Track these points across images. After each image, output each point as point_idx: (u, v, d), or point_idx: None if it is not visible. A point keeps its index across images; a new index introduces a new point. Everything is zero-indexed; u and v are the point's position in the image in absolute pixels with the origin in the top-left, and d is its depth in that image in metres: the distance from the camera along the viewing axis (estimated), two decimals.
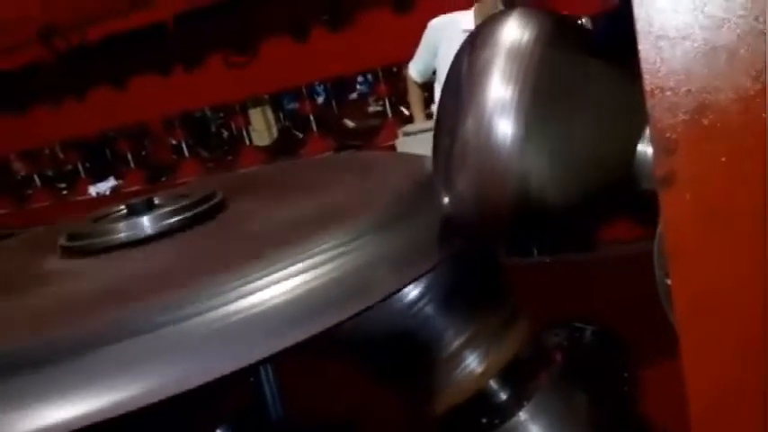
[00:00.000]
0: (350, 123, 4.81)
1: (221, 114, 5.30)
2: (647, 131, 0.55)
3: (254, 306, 0.57)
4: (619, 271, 0.94)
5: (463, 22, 2.45)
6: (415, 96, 2.70)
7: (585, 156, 0.54)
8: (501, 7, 2.28)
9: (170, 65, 3.63)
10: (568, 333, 0.78)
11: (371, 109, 4.97)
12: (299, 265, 0.59)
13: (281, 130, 5.16)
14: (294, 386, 0.83)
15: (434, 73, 2.57)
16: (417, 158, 0.88)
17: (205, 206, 0.80)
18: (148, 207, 0.81)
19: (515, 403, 0.67)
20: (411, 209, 0.68)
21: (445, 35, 2.47)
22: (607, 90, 0.55)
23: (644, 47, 0.35)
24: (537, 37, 0.54)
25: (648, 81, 0.36)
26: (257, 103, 4.98)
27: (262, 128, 5.20)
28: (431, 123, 2.35)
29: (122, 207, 0.83)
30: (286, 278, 0.59)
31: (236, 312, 0.56)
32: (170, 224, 0.77)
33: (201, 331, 0.56)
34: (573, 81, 0.54)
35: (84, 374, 0.53)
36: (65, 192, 4.76)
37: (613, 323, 0.84)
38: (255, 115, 5.14)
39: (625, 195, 0.57)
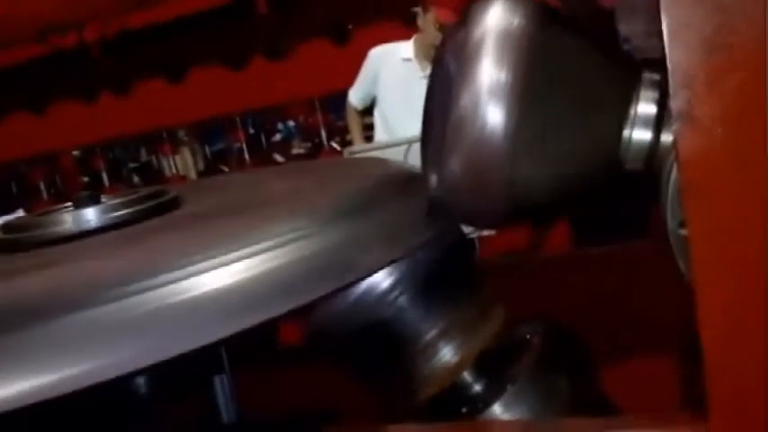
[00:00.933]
0: (279, 158, 4.79)
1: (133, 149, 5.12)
2: (631, 114, 0.56)
3: (202, 286, 0.51)
4: (576, 271, 0.95)
5: (402, 51, 2.53)
6: (354, 123, 2.73)
7: (575, 140, 0.56)
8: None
9: (94, 91, 3.49)
10: (534, 328, 0.77)
11: (295, 152, 5.05)
12: (256, 247, 0.55)
13: (207, 167, 5.05)
14: (254, 400, 0.78)
15: (373, 102, 2.63)
16: (382, 159, 0.88)
17: (155, 201, 0.76)
18: (93, 201, 0.76)
19: (493, 392, 0.65)
20: (378, 197, 0.67)
21: (385, 63, 2.55)
22: (593, 76, 0.57)
23: None
24: (526, 23, 0.55)
25: (667, 14, 0.36)
26: (182, 142, 4.87)
27: (188, 163, 5.08)
28: (375, 143, 2.39)
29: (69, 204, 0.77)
30: (239, 259, 0.54)
31: (184, 292, 0.51)
32: (116, 217, 0.72)
33: (143, 310, 0.49)
34: (562, 67, 0.56)
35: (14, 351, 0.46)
36: None
37: (570, 322, 0.84)
38: (183, 151, 5.02)
39: (611, 177, 0.58)
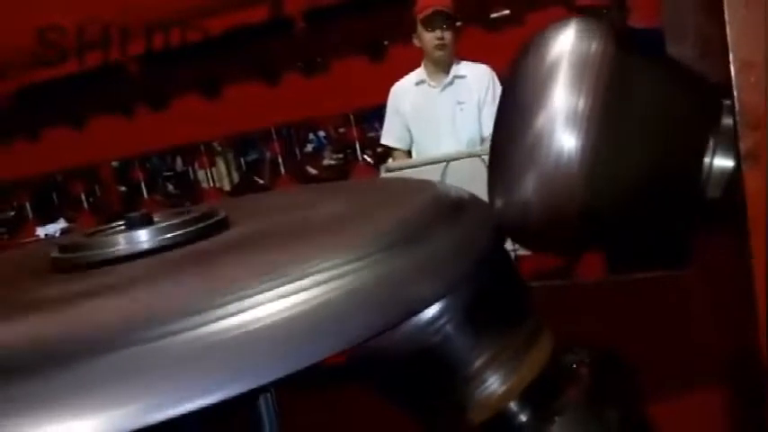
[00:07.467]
0: (312, 171, 4.82)
1: (169, 160, 5.22)
2: (712, 142, 0.55)
3: (256, 321, 0.50)
4: (624, 295, 0.94)
5: (413, 77, 2.55)
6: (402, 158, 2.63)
7: (653, 168, 0.54)
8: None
9: (132, 106, 3.57)
10: (581, 356, 0.76)
11: (326, 162, 5.07)
12: (306, 281, 0.53)
13: (241, 178, 5.11)
14: (292, 420, 0.78)
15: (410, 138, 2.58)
16: (427, 181, 0.87)
17: (206, 222, 0.77)
18: (146, 222, 0.77)
19: (540, 423, 0.64)
20: (431, 224, 0.66)
21: (403, 95, 2.55)
22: (671, 103, 0.55)
23: (733, 21, 0.35)
24: (603, 48, 0.54)
25: (735, 56, 0.36)
26: (217, 153, 4.96)
27: (222, 174, 5.16)
28: (412, 161, 2.37)
29: (119, 222, 0.78)
30: (295, 292, 0.53)
31: (239, 327, 0.49)
32: (168, 239, 0.73)
33: (194, 347, 0.48)
34: (639, 93, 0.54)
35: (51, 394, 0.44)
36: (5, 237, 4.50)
37: (618, 346, 0.83)
38: (218, 162, 5.10)
39: (692, 205, 0.57)
